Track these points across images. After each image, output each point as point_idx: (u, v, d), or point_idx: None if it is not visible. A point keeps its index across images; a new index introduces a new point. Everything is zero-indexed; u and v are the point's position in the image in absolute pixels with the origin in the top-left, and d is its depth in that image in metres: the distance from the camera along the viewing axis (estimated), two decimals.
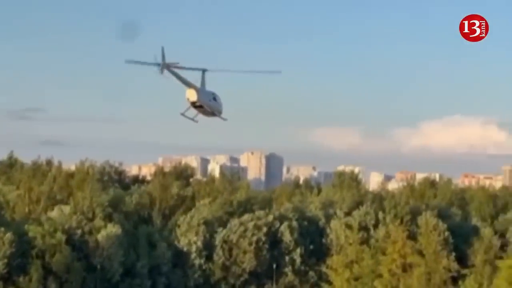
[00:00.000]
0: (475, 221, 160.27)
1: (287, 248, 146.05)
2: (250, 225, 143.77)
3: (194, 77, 56.53)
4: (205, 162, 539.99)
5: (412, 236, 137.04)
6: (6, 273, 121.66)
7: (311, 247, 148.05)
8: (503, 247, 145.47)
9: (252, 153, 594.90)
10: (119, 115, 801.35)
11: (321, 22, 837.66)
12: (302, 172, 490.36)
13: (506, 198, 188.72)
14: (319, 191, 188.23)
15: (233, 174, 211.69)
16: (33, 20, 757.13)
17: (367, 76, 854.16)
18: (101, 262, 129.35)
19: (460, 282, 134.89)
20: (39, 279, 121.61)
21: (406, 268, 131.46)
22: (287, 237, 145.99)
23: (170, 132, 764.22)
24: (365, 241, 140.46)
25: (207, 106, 57.24)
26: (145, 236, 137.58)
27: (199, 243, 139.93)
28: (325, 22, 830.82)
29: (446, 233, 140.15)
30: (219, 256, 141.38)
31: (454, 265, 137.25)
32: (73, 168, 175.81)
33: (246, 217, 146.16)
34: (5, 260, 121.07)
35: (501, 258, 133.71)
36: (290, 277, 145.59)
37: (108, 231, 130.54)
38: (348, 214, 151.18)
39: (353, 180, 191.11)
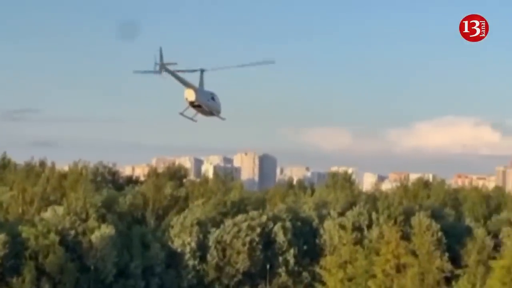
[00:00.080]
0: (468, 221, 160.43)
1: (280, 249, 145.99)
2: (244, 225, 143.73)
3: (193, 78, 56.81)
4: (198, 162, 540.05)
5: (406, 237, 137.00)
6: None
7: (305, 247, 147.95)
8: (496, 247, 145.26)
9: (246, 154, 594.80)
10: (115, 115, 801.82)
11: (321, 22, 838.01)
12: (295, 173, 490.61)
13: (499, 199, 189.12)
14: (313, 191, 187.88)
15: (226, 175, 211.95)
16: (33, 20, 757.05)
17: (361, 76, 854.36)
18: (95, 263, 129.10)
19: (453, 283, 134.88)
20: (32, 280, 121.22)
21: (399, 268, 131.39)
22: (280, 238, 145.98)
23: (163, 133, 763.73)
24: (358, 242, 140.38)
25: (206, 106, 57.30)
26: (139, 237, 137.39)
27: (193, 244, 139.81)
28: (325, 22, 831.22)
29: (440, 234, 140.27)
30: (212, 256, 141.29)
31: (448, 266, 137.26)
32: (66, 169, 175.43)
33: (239, 217, 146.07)
34: None
35: (494, 258, 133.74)
36: (284, 277, 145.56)
37: (101, 232, 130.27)
38: (341, 214, 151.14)
39: (347, 181, 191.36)
